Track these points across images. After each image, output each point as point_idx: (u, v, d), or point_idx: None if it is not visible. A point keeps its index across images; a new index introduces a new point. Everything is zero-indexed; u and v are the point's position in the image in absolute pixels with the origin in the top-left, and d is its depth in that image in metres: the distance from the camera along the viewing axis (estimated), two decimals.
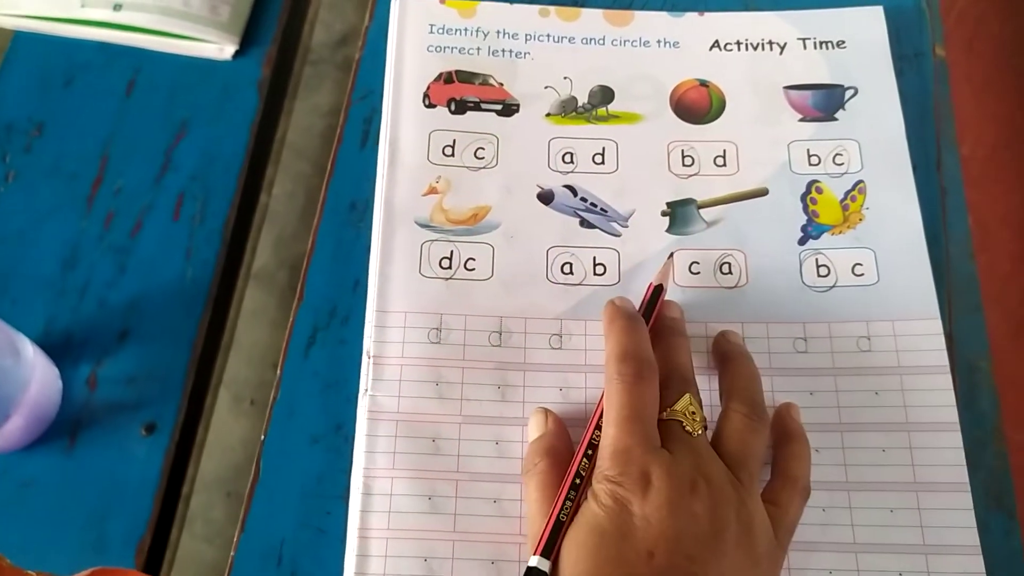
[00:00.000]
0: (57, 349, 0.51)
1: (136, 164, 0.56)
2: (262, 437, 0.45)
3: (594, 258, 0.48)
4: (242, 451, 1.16)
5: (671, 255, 0.47)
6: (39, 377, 0.47)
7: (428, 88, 0.52)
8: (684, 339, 0.43)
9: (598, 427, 0.39)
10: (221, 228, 0.55)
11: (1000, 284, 0.56)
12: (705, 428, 0.39)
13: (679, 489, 0.36)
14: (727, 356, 0.44)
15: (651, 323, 0.43)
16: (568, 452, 0.41)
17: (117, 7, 0.60)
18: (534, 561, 0.37)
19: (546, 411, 0.43)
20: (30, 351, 0.47)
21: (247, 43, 0.61)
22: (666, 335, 0.43)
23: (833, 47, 0.53)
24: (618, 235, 0.48)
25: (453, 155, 0.50)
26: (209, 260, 0.54)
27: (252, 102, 0.59)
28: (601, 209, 0.49)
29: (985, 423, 0.45)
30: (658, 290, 0.45)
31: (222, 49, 0.61)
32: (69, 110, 0.59)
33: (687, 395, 0.40)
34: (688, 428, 0.39)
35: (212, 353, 0.56)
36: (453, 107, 0.52)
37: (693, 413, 0.39)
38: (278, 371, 0.47)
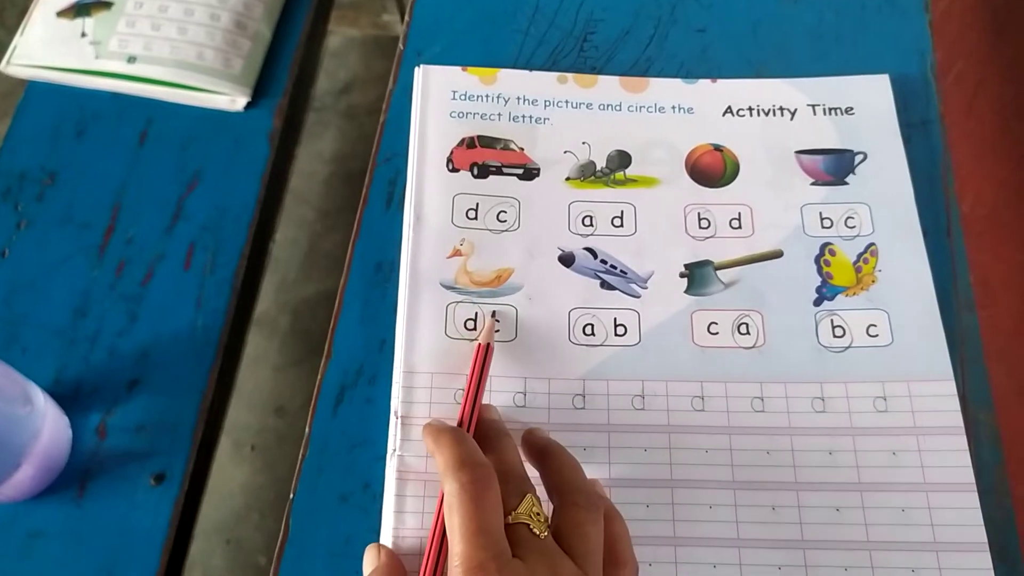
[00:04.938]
0: (67, 398, 0.51)
1: (148, 214, 0.58)
2: (291, 495, 0.46)
3: (615, 319, 0.49)
4: (242, 497, 1.15)
5: (493, 313, 0.49)
6: (50, 426, 0.48)
7: (451, 153, 0.54)
8: (509, 438, 0.43)
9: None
10: (231, 277, 0.56)
11: (1004, 341, 0.57)
12: (549, 527, 0.39)
13: None
14: (544, 451, 0.43)
15: (482, 386, 0.44)
16: None
17: (131, 60, 0.62)
18: None
19: (379, 545, 0.42)
20: (41, 400, 0.48)
21: (259, 95, 0.63)
22: (492, 438, 0.43)
23: (842, 113, 0.55)
24: (638, 296, 0.50)
25: (476, 218, 0.52)
26: (219, 309, 0.55)
27: (263, 153, 0.61)
28: (621, 271, 0.50)
29: (986, 474, 0.45)
30: (487, 349, 0.46)
31: (234, 101, 0.62)
32: (82, 160, 0.60)
33: (528, 496, 0.39)
34: (535, 530, 0.38)
35: (222, 402, 0.56)
36: (476, 171, 0.53)
37: (537, 514, 0.38)
38: (307, 428, 0.47)
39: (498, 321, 0.49)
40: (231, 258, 0.56)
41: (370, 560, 0.42)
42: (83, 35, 0.64)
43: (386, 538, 0.44)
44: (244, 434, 1.20)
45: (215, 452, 0.56)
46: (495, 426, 0.44)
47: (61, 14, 0.65)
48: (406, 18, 0.60)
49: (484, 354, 0.46)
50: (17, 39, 0.64)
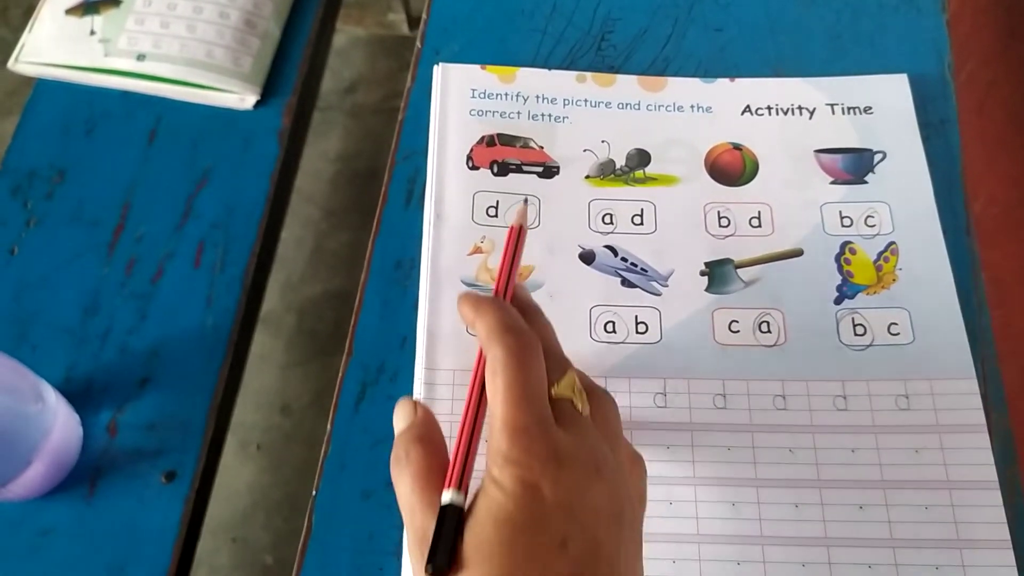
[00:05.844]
0: (78, 396, 0.51)
1: (158, 212, 0.57)
2: (314, 492, 0.46)
3: (636, 316, 0.49)
4: (248, 496, 1.15)
5: (525, 199, 0.49)
6: (61, 424, 0.48)
7: (471, 151, 0.54)
8: (544, 316, 0.41)
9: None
10: (241, 276, 0.55)
11: (1016, 339, 0.57)
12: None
13: (586, 471, 0.34)
14: (526, 309, 0.41)
15: (515, 266, 0.42)
16: (441, 443, 0.37)
17: (141, 57, 0.62)
18: (448, 496, 0.34)
19: (414, 401, 0.39)
20: (52, 397, 0.48)
21: (268, 93, 0.63)
22: (531, 314, 0.41)
23: (860, 112, 0.55)
24: (658, 294, 0.50)
25: (496, 216, 0.52)
26: (229, 307, 0.54)
27: (272, 151, 0.60)
28: (641, 269, 0.50)
29: (1000, 474, 0.45)
30: (520, 231, 0.43)
31: (243, 99, 0.62)
32: (91, 158, 0.59)
33: (570, 372, 0.37)
34: (578, 406, 0.37)
35: (230, 401, 0.56)
36: (496, 169, 0.53)
37: (580, 391, 0.37)
38: (328, 426, 0.47)
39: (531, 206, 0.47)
40: (241, 256, 0.56)
41: (404, 415, 0.39)
42: (92, 33, 0.64)
43: None
44: (250, 433, 1.20)
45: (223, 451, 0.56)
46: (531, 304, 0.42)
47: (70, 12, 0.65)
48: (424, 16, 0.60)
49: (517, 236, 0.43)
50: (25, 36, 0.64)
